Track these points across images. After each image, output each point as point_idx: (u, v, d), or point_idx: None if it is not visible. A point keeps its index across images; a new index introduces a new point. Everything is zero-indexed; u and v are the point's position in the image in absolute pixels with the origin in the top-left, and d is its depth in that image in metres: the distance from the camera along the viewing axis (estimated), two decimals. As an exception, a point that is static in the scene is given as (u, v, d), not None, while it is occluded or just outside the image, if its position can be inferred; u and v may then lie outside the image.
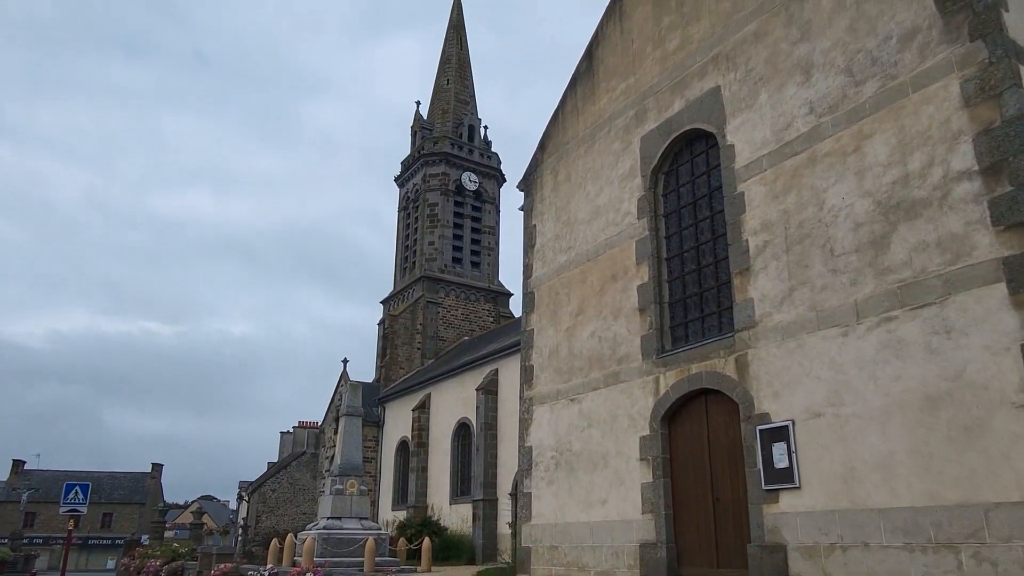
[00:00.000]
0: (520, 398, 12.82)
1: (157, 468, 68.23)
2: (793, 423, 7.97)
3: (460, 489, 26.37)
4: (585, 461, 10.93)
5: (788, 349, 8.22)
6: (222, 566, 13.29)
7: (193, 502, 70.01)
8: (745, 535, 8.39)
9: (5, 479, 63.33)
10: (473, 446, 25.31)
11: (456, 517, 25.03)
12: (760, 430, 8.28)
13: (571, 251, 12.26)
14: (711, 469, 9.12)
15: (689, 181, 10.48)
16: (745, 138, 9.34)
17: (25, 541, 58.16)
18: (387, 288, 38.64)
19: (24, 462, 63.87)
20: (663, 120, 10.81)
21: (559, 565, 10.93)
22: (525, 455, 12.29)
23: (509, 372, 24.44)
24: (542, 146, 13.68)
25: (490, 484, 23.71)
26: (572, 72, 13.13)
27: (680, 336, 10.09)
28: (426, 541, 17.24)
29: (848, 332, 7.64)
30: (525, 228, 13.69)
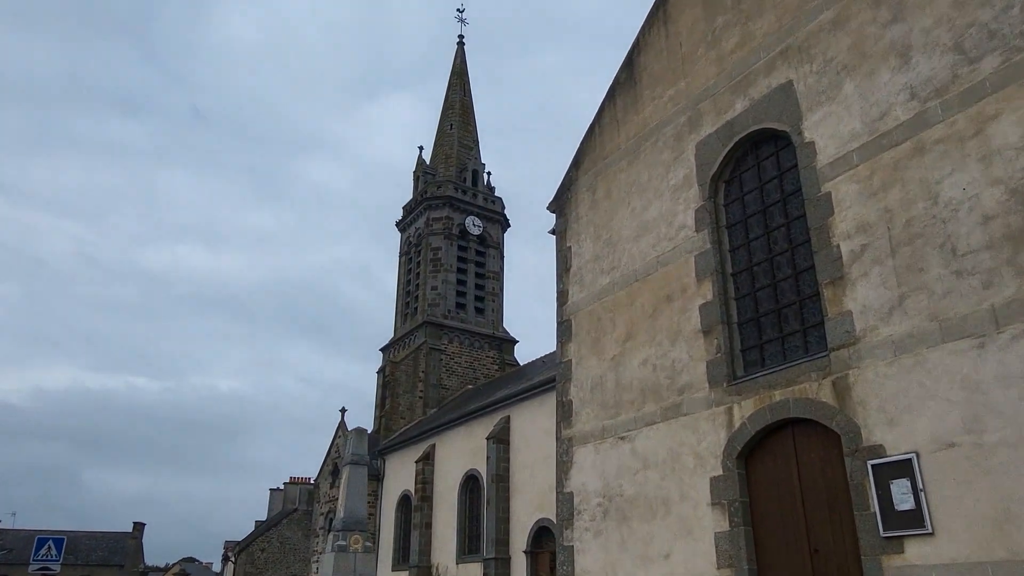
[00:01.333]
0: (557, 439, 11.39)
1: (139, 527, 64.96)
2: (918, 455, 6.63)
3: (468, 547, 24.44)
4: (640, 508, 9.46)
5: (903, 367, 6.94)
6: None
7: (175, 564, 66.55)
8: (858, 594, 6.94)
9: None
10: (483, 500, 23.52)
11: (464, 578, 23.08)
12: (873, 465, 6.92)
13: (615, 272, 11.04)
14: (805, 514, 7.71)
15: (756, 188, 9.36)
16: (828, 133, 8.26)
17: (-6, 606, 54.72)
18: (381, 339, 37.31)
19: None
20: (722, 123, 9.76)
21: (612, 632, 9.35)
22: (564, 503, 10.80)
23: (522, 419, 22.90)
24: (576, 163, 12.61)
25: (502, 541, 21.87)
26: (609, 83, 12.17)
27: (754, 360, 8.79)
28: (439, 606, 15.44)
29: (985, 343, 6.38)
30: (558, 251, 12.50)
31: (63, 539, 13.01)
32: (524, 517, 21.62)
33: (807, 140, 8.49)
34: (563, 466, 11.06)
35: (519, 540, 21.64)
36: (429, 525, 26.30)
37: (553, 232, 12.96)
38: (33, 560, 13.03)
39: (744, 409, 8.45)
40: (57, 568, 13.11)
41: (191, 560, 77.20)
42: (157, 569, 68.58)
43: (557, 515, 10.97)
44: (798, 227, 8.64)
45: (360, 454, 17.32)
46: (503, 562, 21.59)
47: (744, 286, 9.20)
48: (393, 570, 26.81)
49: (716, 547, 8.31)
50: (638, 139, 11.27)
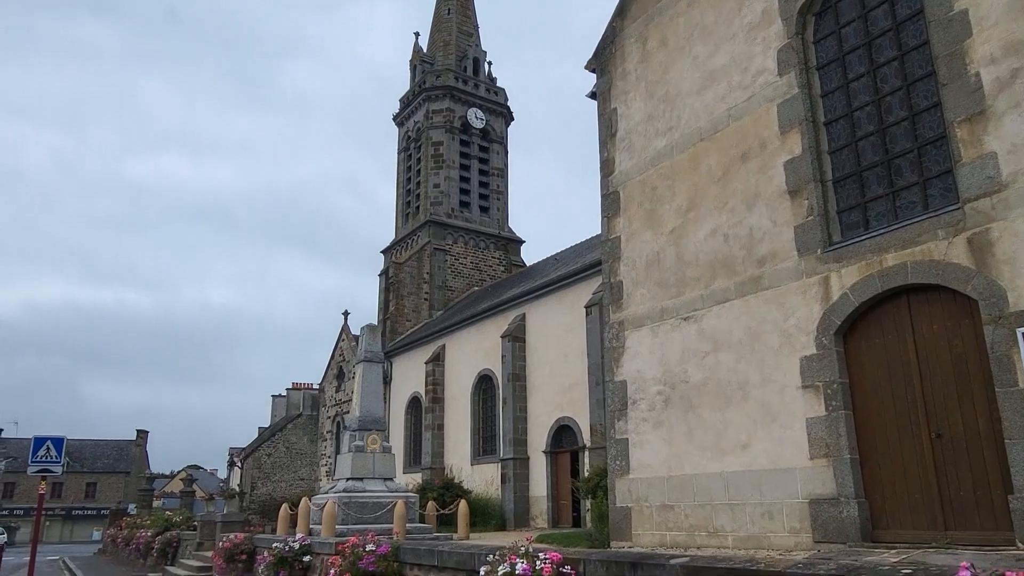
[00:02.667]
0: (604, 324, 10.22)
1: (142, 435, 65.50)
2: (1092, 318, 5.42)
3: (483, 448, 23.94)
4: (711, 395, 8.37)
5: (1072, 214, 5.63)
6: (232, 536, 10.68)
7: (180, 471, 67.43)
8: (997, 483, 5.91)
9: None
10: (497, 400, 22.80)
11: (479, 479, 22.63)
12: (1025, 333, 5.72)
13: (673, 132, 9.55)
14: (924, 395, 6.59)
15: (859, 16, 7.77)
16: (967, -65, 6.62)
17: (4, 512, 55.58)
18: (374, 250, 35.92)
19: (1, 430, 60.84)
20: (815, -59, 8.04)
21: (677, 530, 8.45)
22: (615, 393, 9.73)
23: (539, 317, 21.84)
24: (620, 11, 10.86)
25: (520, 441, 21.26)
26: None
27: (855, 223, 7.47)
28: (463, 505, 14.79)
29: None
30: (601, 115, 10.94)
31: (62, 439, 11.99)
32: (543, 416, 20.93)
33: (936, -53, 6.86)
34: (612, 353, 9.93)
35: (537, 440, 21.02)
36: (441, 427, 25.77)
37: (593, 96, 11.35)
38: (32, 461, 12.05)
39: (845, 278, 7.20)
40: (58, 471, 12.15)
41: (195, 467, 78.53)
42: (163, 476, 69.69)
43: (607, 406, 9.93)
44: (917, 58, 7.13)
45: (374, 351, 16.25)
46: (521, 462, 21.04)
47: (841, 136, 7.76)
48: (405, 472, 26.44)
49: (808, 435, 7.25)
50: (700, -26, 9.52)
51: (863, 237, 7.18)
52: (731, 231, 8.48)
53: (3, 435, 60.23)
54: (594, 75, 11.30)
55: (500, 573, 4.73)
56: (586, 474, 18.31)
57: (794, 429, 7.41)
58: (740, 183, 8.46)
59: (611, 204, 10.39)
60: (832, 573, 3.38)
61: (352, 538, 7.84)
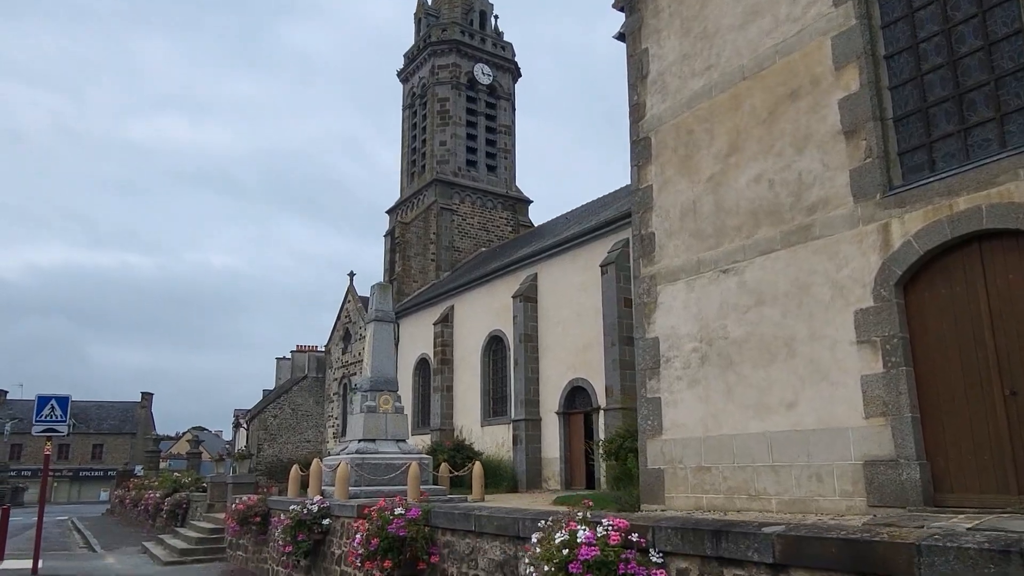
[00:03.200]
0: (634, 278, 9.68)
1: (147, 397, 65.63)
2: None
3: (493, 409, 23.62)
4: (753, 351, 7.88)
5: None
6: (245, 498, 10.30)
7: (185, 432, 67.66)
8: (1082, 444, 5.43)
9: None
10: (508, 361, 22.39)
11: (490, 440, 22.34)
12: (1125, 280, 5.18)
13: (712, 72, 8.89)
14: (997, 350, 6.08)
15: (926, -62, 7.07)
16: None
17: (12, 473, 55.82)
18: (377, 213, 35.16)
19: (6, 392, 60.89)
20: None
21: (714, 492, 8.03)
22: (647, 350, 9.24)
23: (551, 276, 21.30)
24: (652, -57, 10.09)
25: (532, 402, 20.90)
26: None
27: (919, 164, 6.89)
28: (477, 467, 14.42)
29: None
30: (630, 56, 10.25)
31: (67, 398, 11.57)
32: (555, 377, 20.53)
33: None
34: (643, 309, 9.41)
35: (550, 401, 20.66)
36: (450, 388, 25.43)
37: (620, 37, 10.64)
38: (36, 421, 11.66)
39: (908, 225, 6.64)
40: (64, 430, 11.75)
41: (200, 429, 78.92)
42: (168, 438, 69.98)
43: (637, 365, 9.45)
44: (996, -19, 6.46)
45: (384, 310, 15.75)
46: (533, 423, 20.71)
47: (903, 70, 7.13)
48: (413, 434, 26.15)
49: (864, 393, 6.76)
50: (743, -101, 8.75)
51: (930, 179, 6.60)
52: (777, 176, 7.89)
53: (8, 397, 60.31)
54: (622, 14, 10.58)
55: (557, 541, 4.28)
56: (601, 436, 17.99)
57: (847, 387, 6.92)
58: (788, 124, 7.85)
59: (642, 151, 9.77)
60: (984, 544, 2.89)
61: (380, 501, 7.42)
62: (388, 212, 34.29)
